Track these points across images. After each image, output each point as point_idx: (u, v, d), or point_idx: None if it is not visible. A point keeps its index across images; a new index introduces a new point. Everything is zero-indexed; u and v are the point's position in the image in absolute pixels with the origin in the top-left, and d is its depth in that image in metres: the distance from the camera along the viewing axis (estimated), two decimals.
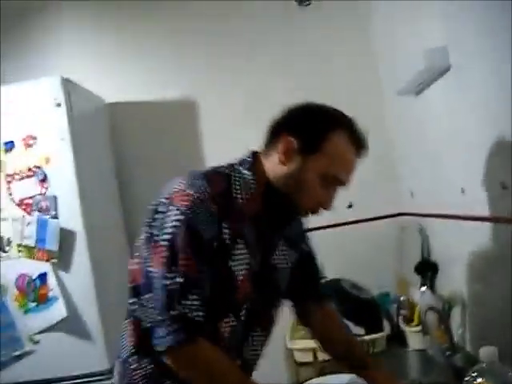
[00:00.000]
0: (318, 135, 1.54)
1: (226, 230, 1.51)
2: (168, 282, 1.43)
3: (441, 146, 2.46)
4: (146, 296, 1.51)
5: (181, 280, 1.42)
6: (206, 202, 1.47)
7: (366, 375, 1.80)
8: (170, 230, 1.46)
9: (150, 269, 1.49)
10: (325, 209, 1.61)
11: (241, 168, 1.59)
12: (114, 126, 3.43)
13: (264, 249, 1.64)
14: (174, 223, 1.45)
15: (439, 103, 2.41)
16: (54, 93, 2.78)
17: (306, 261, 1.83)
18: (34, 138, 2.78)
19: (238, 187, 1.56)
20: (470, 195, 2.17)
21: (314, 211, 1.62)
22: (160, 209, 1.51)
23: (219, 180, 1.54)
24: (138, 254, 1.59)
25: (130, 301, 1.62)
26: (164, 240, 1.46)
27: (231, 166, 1.61)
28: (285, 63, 3.42)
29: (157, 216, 1.51)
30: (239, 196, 1.55)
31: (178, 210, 1.46)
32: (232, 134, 3.40)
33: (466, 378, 1.45)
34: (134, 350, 1.61)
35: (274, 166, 1.58)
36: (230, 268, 1.53)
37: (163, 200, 1.51)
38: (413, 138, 2.90)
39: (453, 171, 2.33)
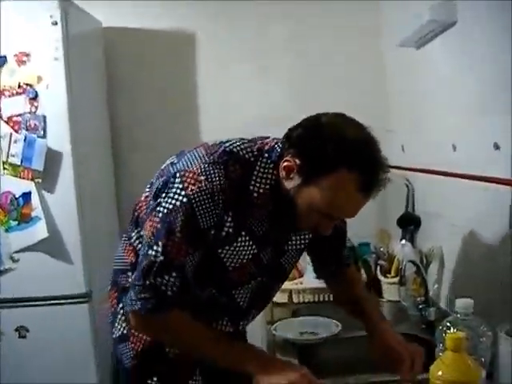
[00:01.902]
0: (319, 168, 1.38)
1: (229, 221, 1.49)
2: (151, 253, 1.47)
3: (436, 101, 2.45)
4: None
5: (161, 258, 1.46)
6: (214, 194, 1.45)
7: (371, 333, 1.77)
8: (170, 206, 1.46)
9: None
10: (317, 234, 1.60)
11: (266, 159, 1.52)
12: (108, 51, 3.36)
13: (277, 240, 1.63)
14: (177, 202, 1.46)
15: (440, 58, 2.38)
16: (51, 10, 2.70)
17: (336, 235, 1.75)
18: (28, 55, 2.72)
19: (257, 179, 1.51)
20: (461, 153, 2.18)
21: (306, 230, 1.63)
22: (171, 181, 1.50)
23: (238, 168, 1.49)
24: (149, 187, 1.63)
25: (131, 228, 1.68)
26: (161, 212, 1.48)
27: (260, 151, 1.53)
28: (285, 5, 3.34)
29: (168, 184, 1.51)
30: (255, 189, 1.51)
31: (184, 191, 1.46)
32: (228, 69, 3.38)
33: (440, 327, 1.48)
34: (129, 267, 1.67)
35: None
36: (218, 255, 1.54)
37: (181, 173, 1.49)
38: (409, 91, 2.88)
39: (446, 128, 2.33)
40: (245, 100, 3.32)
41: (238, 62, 3.37)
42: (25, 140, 2.72)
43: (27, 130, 2.73)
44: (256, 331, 2.21)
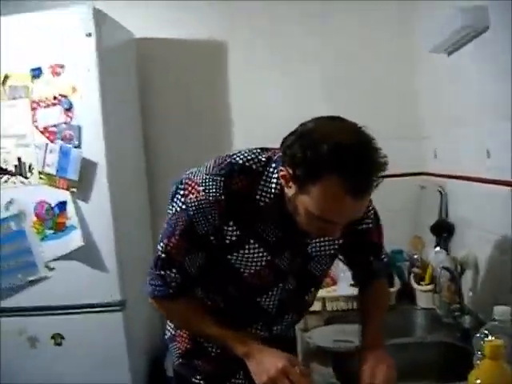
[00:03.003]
0: (306, 176, 1.36)
1: (232, 230, 1.54)
2: (158, 248, 1.63)
3: (469, 107, 2.43)
4: None
5: (163, 256, 1.61)
6: (210, 205, 1.51)
7: (361, 351, 1.74)
8: (173, 210, 1.58)
9: None
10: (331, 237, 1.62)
11: (273, 168, 1.53)
12: (141, 62, 3.40)
13: (295, 246, 1.64)
14: (178, 208, 1.56)
15: (471, 64, 2.37)
16: (85, 22, 2.75)
17: (359, 239, 1.76)
18: (62, 67, 2.76)
19: (263, 188, 1.53)
20: (495, 159, 2.15)
21: (317, 237, 1.63)
22: (176, 186, 1.59)
23: (244, 179, 1.52)
24: None
25: None
26: (168, 214, 1.61)
27: (268, 160, 1.55)
28: (316, 13, 3.34)
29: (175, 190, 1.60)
30: (262, 198, 1.53)
31: (184, 198, 1.55)
32: (259, 77, 3.39)
33: (477, 335, 1.47)
34: None
35: None
36: (228, 261, 1.60)
37: (185, 181, 1.57)
38: (441, 97, 2.86)
39: (479, 134, 2.30)
40: (276, 107, 3.33)
41: (269, 70, 3.37)
42: (60, 150, 2.76)
43: (62, 140, 2.78)
44: None
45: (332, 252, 1.72)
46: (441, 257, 2.46)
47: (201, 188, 1.51)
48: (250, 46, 3.40)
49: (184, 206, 1.54)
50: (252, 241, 1.57)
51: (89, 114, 2.78)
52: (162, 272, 1.61)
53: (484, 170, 2.25)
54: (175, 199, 1.57)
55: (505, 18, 1.97)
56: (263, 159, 1.55)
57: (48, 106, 2.79)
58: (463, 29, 2.18)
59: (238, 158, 1.54)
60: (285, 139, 1.44)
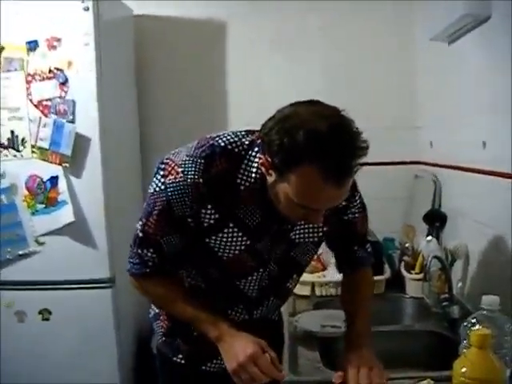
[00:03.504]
0: (285, 164, 1.33)
1: (210, 213, 1.52)
2: (136, 226, 1.61)
3: (467, 98, 2.42)
4: None
5: (141, 235, 1.60)
6: (188, 187, 1.49)
7: (346, 348, 1.72)
8: (151, 190, 1.56)
9: None
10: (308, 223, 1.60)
11: (255, 152, 1.50)
12: (139, 39, 3.38)
13: (275, 230, 1.61)
14: (156, 188, 1.54)
15: (471, 54, 2.36)
16: None
17: (344, 228, 1.74)
18: (59, 40, 2.73)
19: (244, 172, 1.51)
20: (491, 150, 2.15)
21: (297, 221, 1.59)
22: (158, 166, 1.57)
23: (224, 162, 1.49)
24: None
25: None
26: (148, 193, 1.58)
27: (250, 144, 1.52)
28: None
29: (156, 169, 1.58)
30: (242, 182, 1.51)
31: (163, 178, 1.53)
32: (257, 58, 3.38)
33: (465, 324, 1.47)
34: None
35: None
36: (207, 244, 1.58)
37: (166, 160, 1.55)
38: (439, 87, 2.85)
39: (476, 125, 2.30)
40: (276, 88, 3.31)
41: (269, 51, 3.36)
42: (54, 124, 2.74)
43: (56, 114, 2.75)
44: None
45: (316, 240, 1.70)
46: (432, 246, 2.45)
47: (180, 169, 1.50)
48: (249, 27, 3.38)
49: (163, 187, 1.52)
50: (231, 225, 1.55)
51: (84, 89, 2.75)
52: (139, 251, 1.61)
53: (479, 160, 2.25)
54: (155, 179, 1.56)
55: (507, 7, 1.95)
56: (246, 142, 1.52)
57: (43, 79, 2.76)
58: (465, 17, 2.17)
59: (220, 141, 1.52)
60: (263, 125, 1.42)
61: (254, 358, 1.47)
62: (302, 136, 1.28)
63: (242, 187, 1.51)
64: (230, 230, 1.55)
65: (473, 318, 1.47)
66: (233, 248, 1.58)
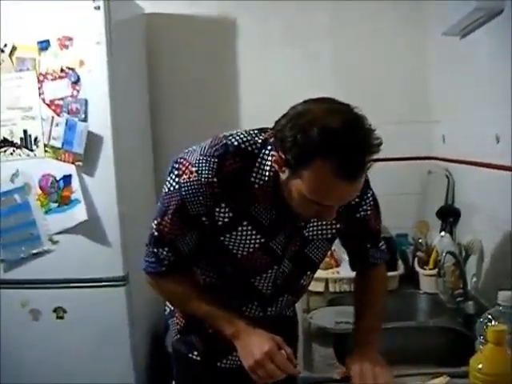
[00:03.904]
0: (298, 161, 1.34)
1: (224, 211, 1.53)
2: (152, 226, 1.63)
3: (480, 92, 2.40)
4: None
5: (156, 234, 1.61)
6: (202, 186, 1.49)
7: (354, 338, 1.74)
8: (166, 189, 1.57)
9: None
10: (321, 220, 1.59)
11: (269, 150, 1.50)
12: (150, 37, 3.38)
13: (289, 227, 1.61)
14: (171, 187, 1.56)
15: (484, 48, 2.34)
16: None
17: (356, 226, 1.74)
18: (70, 39, 2.74)
19: (258, 171, 1.51)
20: (505, 145, 2.13)
21: (310, 218, 1.59)
22: (172, 166, 1.58)
23: (238, 161, 1.50)
24: None
25: None
26: (163, 192, 1.59)
27: (265, 142, 1.53)
28: None
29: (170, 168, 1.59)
30: (256, 181, 1.51)
31: (178, 178, 1.54)
32: (268, 55, 3.38)
33: (481, 320, 1.46)
34: None
35: None
36: (221, 242, 1.59)
37: (180, 160, 1.56)
38: (451, 81, 2.83)
39: (489, 119, 2.29)
40: (287, 86, 3.30)
41: (279, 48, 3.35)
42: (66, 123, 2.75)
43: (69, 113, 2.76)
44: None
45: (329, 236, 1.71)
46: (446, 241, 2.45)
47: (194, 169, 1.50)
48: (260, 24, 3.38)
49: (177, 186, 1.53)
50: (245, 223, 1.56)
51: (96, 88, 2.76)
52: (155, 250, 1.62)
53: (493, 155, 2.24)
54: (169, 178, 1.57)
55: None
56: (259, 141, 1.53)
57: (55, 78, 2.77)
58: (477, 11, 2.15)
59: (233, 140, 1.52)
60: (276, 122, 1.42)
61: (270, 354, 1.48)
62: (315, 132, 1.28)
63: (256, 185, 1.51)
64: (245, 228, 1.56)
65: (489, 314, 1.46)
66: (247, 246, 1.59)
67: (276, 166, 1.43)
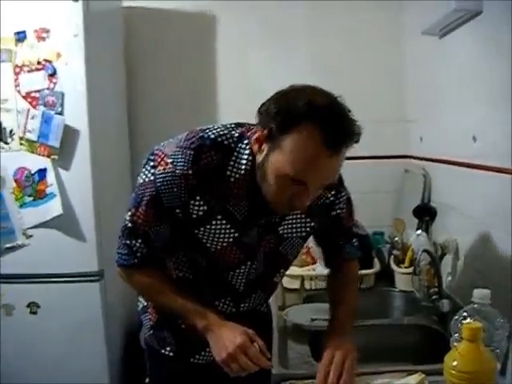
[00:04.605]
0: (280, 128, 1.35)
1: (199, 204, 1.53)
2: (125, 217, 1.62)
3: (457, 92, 2.42)
4: None
5: (130, 225, 1.60)
6: (177, 178, 1.49)
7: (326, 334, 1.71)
8: (141, 180, 1.57)
9: None
10: (294, 210, 1.57)
11: (245, 144, 1.51)
12: (128, 30, 3.36)
13: (263, 223, 1.61)
14: (146, 178, 1.55)
15: (462, 48, 2.36)
16: None
17: (331, 224, 1.75)
18: (47, 31, 2.70)
19: (234, 164, 1.51)
20: (481, 144, 2.15)
21: (283, 210, 1.56)
22: (148, 157, 1.58)
23: (214, 154, 1.50)
24: None
25: None
26: (137, 183, 1.59)
27: (241, 137, 1.53)
28: None
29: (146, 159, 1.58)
30: (232, 174, 1.51)
31: (153, 169, 1.54)
32: (247, 51, 3.37)
33: (456, 317, 1.47)
34: None
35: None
36: (195, 235, 1.59)
37: (155, 151, 1.56)
38: (429, 81, 2.85)
39: (467, 119, 2.30)
40: (264, 82, 3.26)
41: (258, 45, 3.35)
42: (42, 116, 2.71)
43: (45, 106, 2.72)
44: None
45: (304, 234, 1.71)
46: (422, 240, 2.46)
47: (169, 160, 1.50)
48: (239, 21, 3.36)
49: (152, 177, 1.53)
50: (219, 217, 1.56)
51: (73, 81, 2.72)
52: (128, 241, 1.61)
53: (469, 155, 2.25)
54: (144, 169, 1.56)
55: (498, 2, 1.95)
56: (236, 135, 1.53)
57: (31, 70, 2.73)
58: (457, 11, 2.17)
59: (210, 133, 1.52)
60: (260, 106, 1.44)
61: (242, 347, 1.48)
62: (302, 103, 1.32)
63: (232, 179, 1.51)
64: (219, 222, 1.56)
65: (464, 312, 1.47)
66: (221, 240, 1.59)
67: (255, 147, 1.44)
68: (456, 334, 1.46)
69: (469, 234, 2.25)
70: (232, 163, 1.51)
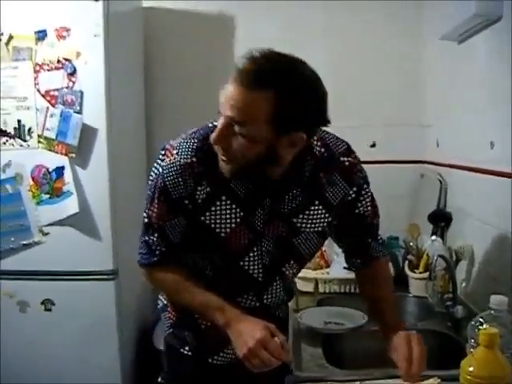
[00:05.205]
0: None
1: (205, 190, 1.57)
2: (144, 215, 1.66)
3: (475, 97, 2.41)
4: None
5: (146, 221, 1.65)
6: (181, 167, 1.54)
7: (384, 332, 1.71)
8: (152, 176, 1.62)
9: None
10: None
11: None
12: (147, 31, 3.38)
13: (268, 204, 1.62)
14: (156, 172, 1.60)
15: (481, 54, 2.35)
16: None
17: (356, 222, 1.75)
18: (68, 30, 2.72)
19: None
20: (499, 151, 2.14)
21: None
22: (159, 152, 1.63)
23: None
24: None
25: None
26: (149, 180, 1.64)
27: None
28: None
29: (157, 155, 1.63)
30: None
31: (162, 162, 1.59)
32: None
33: (472, 323, 1.46)
34: None
35: None
36: (203, 222, 1.60)
37: (166, 145, 1.62)
38: (447, 86, 2.84)
39: (484, 124, 2.30)
40: None
41: (276, 46, 3.33)
42: (61, 114, 2.74)
43: (64, 104, 2.75)
44: None
45: (320, 229, 1.70)
46: (437, 245, 2.46)
47: (175, 151, 1.56)
48: (258, 22, 3.36)
49: (160, 170, 1.58)
50: (224, 197, 1.58)
51: (92, 80, 2.74)
52: (146, 237, 1.65)
53: (486, 160, 2.25)
54: (155, 164, 1.61)
55: None
56: None
57: (51, 69, 2.75)
58: (476, 17, 2.16)
59: (215, 122, 1.54)
60: None
61: (263, 342, 1.46)
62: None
63: None
64: (223, 202, 1.59)
65: (480, 318, 1.47)
66: (228, 221, 1.61)
67: None
68: (472, 340, 1.46)
69: (484, 240, 2.24)
70: None
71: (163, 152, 1.60)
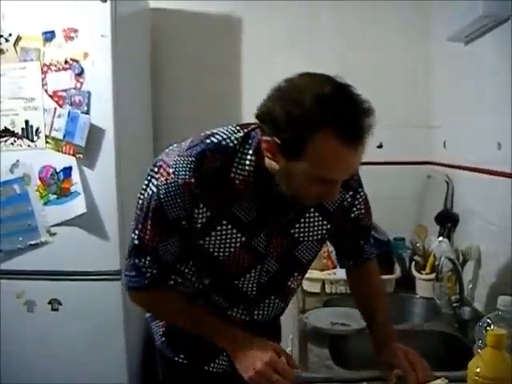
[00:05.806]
0: (297, 140, 1.29)
1: (206, 214, 1.49)
2: (132, 236, 1.57)
3: (482, 98, 2.41)
4: None
5: (137, 242, 1.54)
6: (179, 187, 1.45)
7: (379, 345, 1.70)
8: (145, 195, 1.52)
9: None
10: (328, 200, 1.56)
11: (248, 145, 1.48)
12: (154, 32, 3.38)
13: (271, 223, 1.57)
14: (149, 192, 1.50)
15: (488, 55, 2.35)
16: None
17: (351, 225, 1.74)
18: (75, 31, 2.73)
19: (238, 166, 1.47)
20: (506, 152, 2.14)
21: (311, 202, 1.56)
22: (151, 169, 1.53)
23: (217, 157, 1.46)
24: None
25: None
26: (140, 199, 1.54)
27: (244, 137, 1.49)
28: None
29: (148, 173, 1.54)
30: (237, 176, 1.47)
31: (156, 181, 1.49)
32: (273, 55, 3.36)
33: (480, 324, 1.46)
34: None
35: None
36: (201, 246, 1.54)
37: (158, 163, 1.52)
38: (454, 87, 2.84)
39: (491, 126, 2.29)
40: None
41: (284, 48, 3.35)
42: (68, 115, 2.74)
43: (71, 105, 2.75)
44: (288, 320, 2.20)
45: (319, 237, 1.67)
46: (443, 247, 2.46)
47: (171, 170, 1.46)
48: (266, 24, 3.37)
49: (155, 190, 1.48)
50: (224, 222, 1.51)
51: (99, 81, 2.75)
52: (137, 260, 1.55)
53: (493, 162, 2.24)
54: (147, 182, 1.52)
55: None
56: (240, 135, 1.49)
57: (59, 70, 2.76)
58: (483, 18, 2.15)
59: (213, 138, 1.48)
60: (259, 109, 1.40)
61: (272, 364, 1.44)
62: (309, 101, 1.26)
63: (237, 181, 1.47)
64: (224, 227, 1.52)
65: (488, 319, 1.47)
66: (228, 246, 1.54)
67: (268, 154, 1.39)
68: (480, 341, 1.46)
69: (491, 241, 2.24)
70: (236, 164, 1.47)
71: (156, 169, 1.50)
